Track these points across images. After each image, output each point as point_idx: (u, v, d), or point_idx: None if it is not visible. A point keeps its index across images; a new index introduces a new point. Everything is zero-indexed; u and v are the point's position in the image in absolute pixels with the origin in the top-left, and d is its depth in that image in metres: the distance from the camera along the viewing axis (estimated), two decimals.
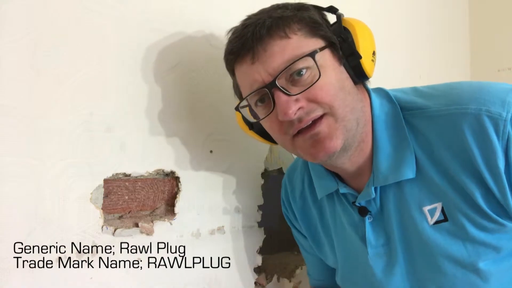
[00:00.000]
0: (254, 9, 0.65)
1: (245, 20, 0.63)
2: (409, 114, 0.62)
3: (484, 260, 0.58)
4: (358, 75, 0.62)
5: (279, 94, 0.57)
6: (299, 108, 0.57)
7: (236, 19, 0.66)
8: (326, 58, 0.59)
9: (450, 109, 0.58)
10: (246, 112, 0.68)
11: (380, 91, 0.67)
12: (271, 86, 0.57)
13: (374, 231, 0.66)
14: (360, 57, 0.60)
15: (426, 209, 0.61)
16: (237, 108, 0.67)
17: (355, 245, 0.70)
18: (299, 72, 0.57)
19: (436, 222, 0.60)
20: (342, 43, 0.60)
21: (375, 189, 0.64)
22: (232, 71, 0.66)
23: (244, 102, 0.64)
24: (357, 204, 0.66)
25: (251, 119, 0.70)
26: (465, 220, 0.58)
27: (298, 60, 0.56)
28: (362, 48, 0.60)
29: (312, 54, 0.56)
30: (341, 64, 0.61)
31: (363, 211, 0.66)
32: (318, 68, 0.56)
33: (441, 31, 1.56)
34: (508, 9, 1.55)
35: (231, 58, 0.63)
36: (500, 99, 0.55)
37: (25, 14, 0.64)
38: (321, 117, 0.58)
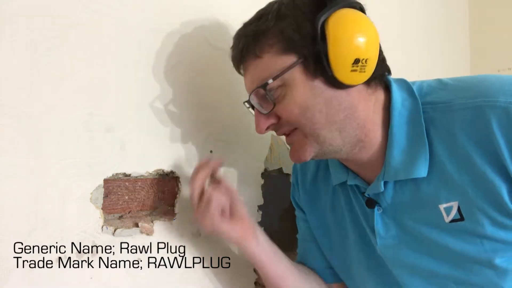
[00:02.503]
0: (254, 9, 0.65)
1: (234, 36, 0.66)
2: (431, 108, 0.61)
3: (502, 256, 0.57)
4: (337, 85, 0.58)
5: (255, 109, 0.65)
6: (271, 124, 0.64)
7: (236, 19, 0.66)
8: (295, 76, 0.58)
9: (477, 102, 0.56)
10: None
11: (402, 83, 0.65)
12: (249, 101, 0.65)
13: (384, 223, 0.66)
14: (330, 71, 0.56)
15: (442, 207, 0.59)
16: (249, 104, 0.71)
17: (366, 234, 0.70)
18: (264, 95, 0.61)
19: (452, 221, 0.59)
20: (319, 53, 0.56)
21: (385, 183, 0.63)
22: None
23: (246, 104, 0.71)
24: (366, 195, 0.67)
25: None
26: (483, 218, 0.56)
27: (258, 87, 0.61)
28: (339, 57, 0.56)
29: (263, 86, 0.60)
30: (316, 77, 0.58)
31: (370, 203, 0.66)
32: (272, 96, 0.61)
33: (441, 31, 1.56)
34: (508, 9, 1.55)
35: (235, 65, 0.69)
36: None
37: (25, 14, 0.64)
38: (291, 131, 0.63)
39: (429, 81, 0.65)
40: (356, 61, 0.56)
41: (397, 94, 0.63)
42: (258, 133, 0.65)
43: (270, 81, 0.59)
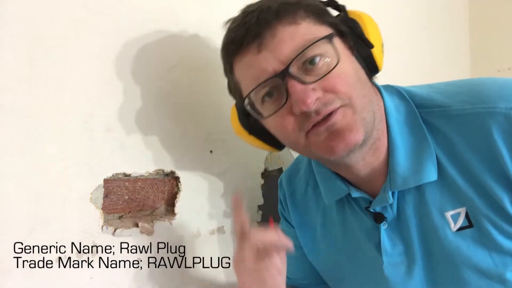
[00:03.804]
0: None
1: (246, 8, 0.57)
2: (426, 112, 0.57)
3: None
4: (370, 67, 0.57)
5: (293, 83, 0.51)
6: (316, 98, 0.51)
7: None
8: (338, 46, 0.54)
9: (476, 108, 0.53)
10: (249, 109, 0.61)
11: (390, 88, 0.62)
12: (284, 74, 0.51)
13: (390, 238, 0.61)
14: (371, 46, 0.56)
15: (448, 214, 0.56)
16: (239, 105, 0.61)
17: (368, 253, 0.64)
18: (312, 60, 0.52)
19: (460, 229, 0.55)
20: (350, 33, 0.56)
21: (393, 194, 0.58)
22: (230, 66, 0.59)
23: (247, 99, 0.57)
24: (371, 210, 0.61)
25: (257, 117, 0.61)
26: (491, 227, 0.53)
27: (313, 44, 0.51)
28: (372, 38, 0.56)
29: (329, 37, 0.52)
30: (353, 54, 0.56)
31: (378, 218, 0.60)
32: (337, 52, 0.52)
33: (441, 31, 1.56)
34: (508, 9, 1.55)
35: (232, 49, 0.56)
36: None
37: (25, 14, 0.64)
38: (337, 108, 0.52)
39: (418, 86, 0.63)
40: (382, 44, 0.59)
41: (389, 100, 0.60)
42: (305, 109, 0.51)
43: (333, 34, 0.53)
